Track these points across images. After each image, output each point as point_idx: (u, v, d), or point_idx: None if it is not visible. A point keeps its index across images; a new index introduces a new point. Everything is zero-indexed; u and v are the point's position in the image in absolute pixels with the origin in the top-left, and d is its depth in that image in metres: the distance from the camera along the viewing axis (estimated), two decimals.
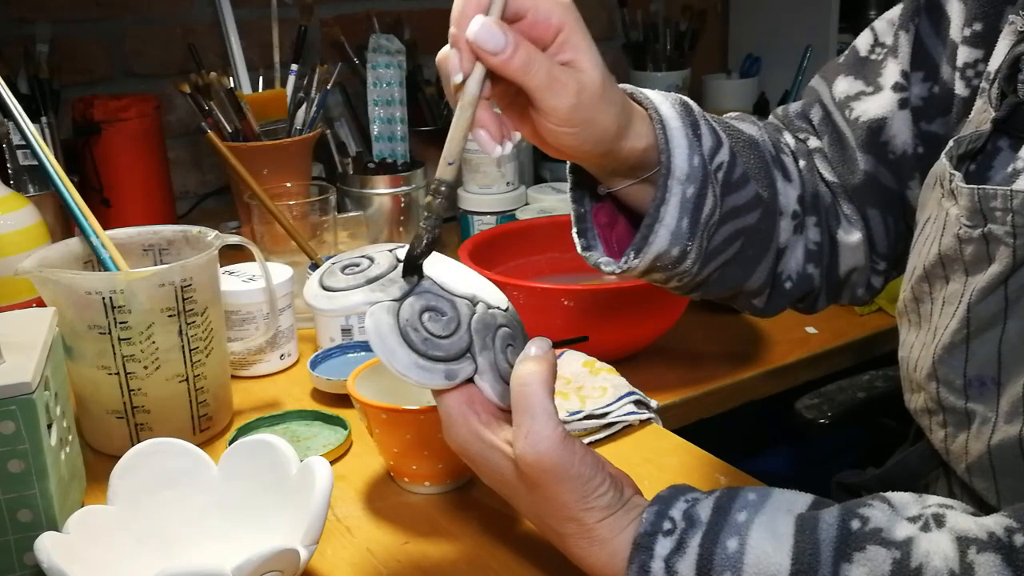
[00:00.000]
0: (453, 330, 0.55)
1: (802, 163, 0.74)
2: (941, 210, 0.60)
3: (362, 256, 0.59)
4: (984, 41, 0.64)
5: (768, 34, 1.89)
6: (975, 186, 0.55)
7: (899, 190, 0.72)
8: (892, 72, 0.70)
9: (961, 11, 0.66)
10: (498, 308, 0.59)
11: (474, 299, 0.58)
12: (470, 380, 0.55)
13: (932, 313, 0.61)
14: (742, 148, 0.69)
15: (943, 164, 0.60)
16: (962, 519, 0.49)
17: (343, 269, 0.58)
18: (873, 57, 0.72)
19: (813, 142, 0.76)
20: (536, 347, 0.55)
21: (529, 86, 0.54)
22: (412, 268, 0.56)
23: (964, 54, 0.66)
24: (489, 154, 0.57)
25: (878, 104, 0.71)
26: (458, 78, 0.53)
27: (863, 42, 0.73)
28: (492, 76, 0.54)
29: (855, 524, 0.49)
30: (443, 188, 0.54)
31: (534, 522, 0.57)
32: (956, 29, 0.67)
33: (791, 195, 0.72)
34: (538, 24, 0.55)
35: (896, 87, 0.70)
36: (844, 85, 0.73)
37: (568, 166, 0.67)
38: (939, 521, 0.49)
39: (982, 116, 0.60)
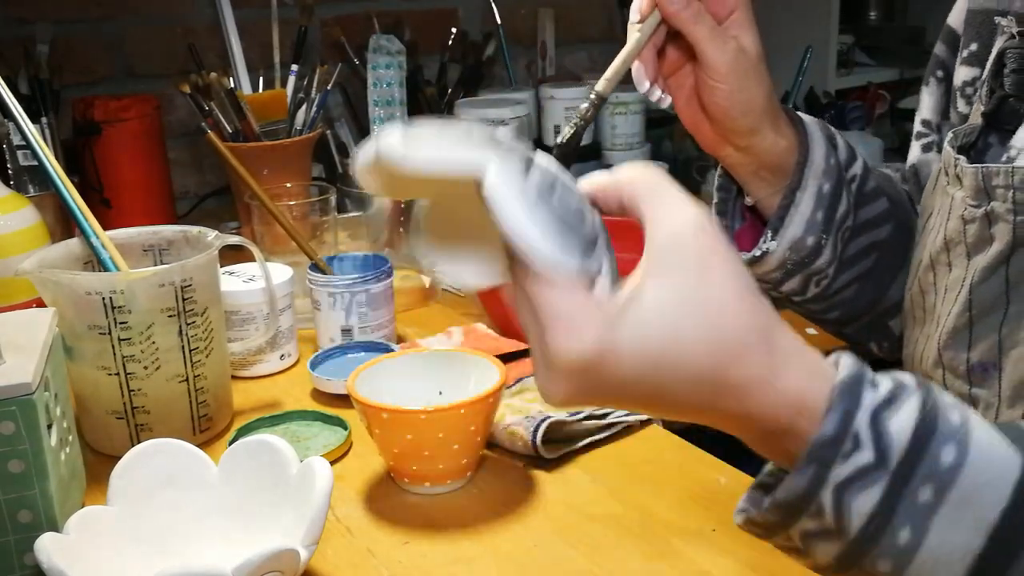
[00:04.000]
0: (583, 218, 0.43)
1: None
2: (946, 198, 0.62)
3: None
4: (979, 60, 0.66)
5: (768, 34, 1.88)
6: (979, 165, 0.57)
7: None
8: (916, 123, 0.75)
9: (961, 36, 0.69)
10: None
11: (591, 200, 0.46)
12: (591, 282, 0.42)
13: (936, 304, 0.63)
14: (876, 171, 0.75)
15: (947, 151, 0.62)
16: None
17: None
18: None
19: None
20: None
21: (696, 36, 0.64)
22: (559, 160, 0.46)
23: (963, 73, 0.68)
24: (638, 87, 0.67)
25: (909, 156, 0.76)
26: (635, 17, 0.66)
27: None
28: (670, 34, 0.67)
29: None
30: (594, 97, 0.65)
31: (697, 357, 0.41)
32: (958, 60, 0.70)
33: None
34: (716, 2, 0.66)
35: (917, 135, 0.75)
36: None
37: (716, 181, 0.74)
38: None
39: (975, 113, 0.63)
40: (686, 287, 0.41)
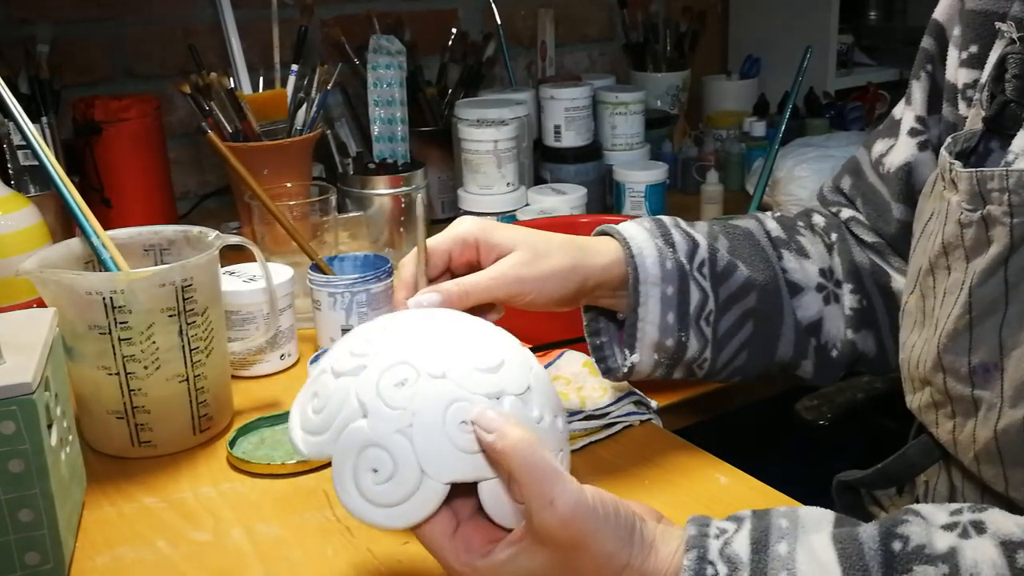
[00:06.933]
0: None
1: (833, 236, 0.78)
2: (943, 203, 0.61)
3: None
4: (980, 61, 0.66)
5: (768, 35, 1.89)
6: (973, 170, 0.57)
7: None
8: (908, 119, 0.74)
9: (959, 36, 0.68)
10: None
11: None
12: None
13: (935, 307, 0.62)
14: (734, 241, 0.76)
15: (943, 157, 0.61)
16: (1002, 522, 0.50)
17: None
18: (902, 117, 0.76)
19: (845, 212, 0.80)
20: (495, 416, 0.52)
21: (483, 300, 0.67)
22: None
23: (963, 76, 0.68)
24: None
25: (900, 152, 0.74)
26: None
27: (898, 108, 0.77)
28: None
29: (897, 545, 0.50)
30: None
31: None
32: (953, 58, 0.69)
33: (810, 270, 0.77)
34: (464, 253, 0.68)
35: (912, 132, 0.73)
36: (880, 146, 0.77)
37: (583, 310, 0.76)
38: (979, 527, 0.50)
39: (975, 118, 0.62)
40: (555, 560, 0.51)
